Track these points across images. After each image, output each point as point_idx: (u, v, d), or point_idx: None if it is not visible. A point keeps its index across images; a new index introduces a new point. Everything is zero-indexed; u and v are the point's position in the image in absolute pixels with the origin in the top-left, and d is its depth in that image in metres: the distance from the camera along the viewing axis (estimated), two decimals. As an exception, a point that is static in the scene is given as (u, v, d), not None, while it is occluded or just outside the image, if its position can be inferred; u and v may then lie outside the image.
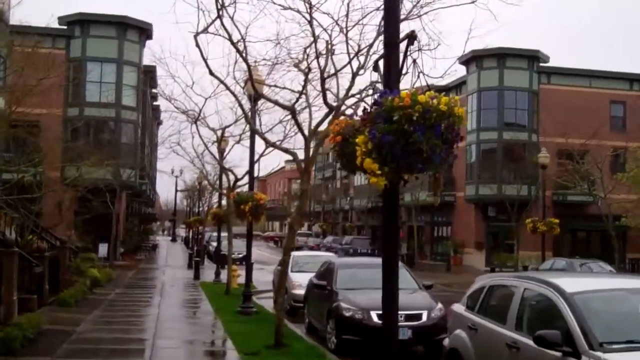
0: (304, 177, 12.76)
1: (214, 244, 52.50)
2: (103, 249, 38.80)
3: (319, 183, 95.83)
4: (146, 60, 44.88)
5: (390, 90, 5.85)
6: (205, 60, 12.62)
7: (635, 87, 51.22)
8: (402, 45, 6.46)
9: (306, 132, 12.84)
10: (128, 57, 43.64)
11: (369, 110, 5.93)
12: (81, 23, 42.88)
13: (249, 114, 16.11)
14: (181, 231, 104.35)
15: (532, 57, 48.69)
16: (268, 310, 19.90)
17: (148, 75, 49.94)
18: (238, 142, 23.32)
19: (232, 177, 24.16)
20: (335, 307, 13.95)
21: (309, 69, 12.42)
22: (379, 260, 18.37)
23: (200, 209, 57.07)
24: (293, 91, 13.61)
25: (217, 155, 24.21)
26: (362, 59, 12.62)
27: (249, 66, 12.15)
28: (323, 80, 12.00)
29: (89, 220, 36.71)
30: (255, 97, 16.75)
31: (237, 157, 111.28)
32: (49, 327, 14.59)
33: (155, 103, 60.54)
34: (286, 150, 13.45)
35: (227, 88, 14.09)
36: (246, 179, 24.24)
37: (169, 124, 66.86)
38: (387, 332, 6.51)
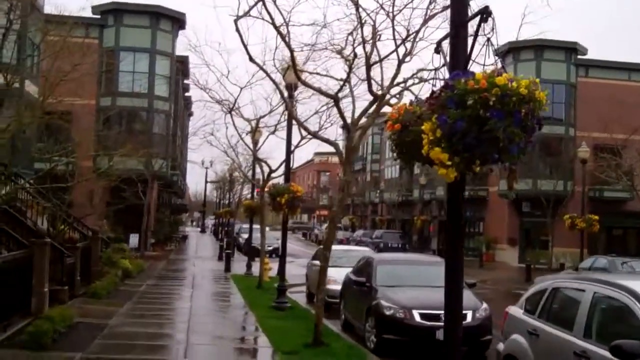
0: (346, 168, 12.21)
1: (244, 235, 52.26)
2: (134, 239, 38.62)
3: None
4: (179, 51, 44.75)
5: (463, 72, 5.27)
6: (245, 45, 12.10)
7: (676, 80, 49.86)
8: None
9: (348, 122, 12.28)
10: (161, 46, 43.40)
11: (436, 94, 5.34)
12: (114, 12, 42.69)
13: (289, 101, 15.60)
14: (209, 222, 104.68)
15: (570, 49, 47.61)
16: (302, 306, 19.45)
17: (180, 66, 49.71)
18: (273, 132, 22.80)
19: (266, 169, 23.68)
20: (375, 305, 13.40)
21: (355, 55, 11.83)
22: (418, 256, 17.75)
23: (231, 200, 56.80)
24: (335, 79, 13.03)
25: (251, 146, 23.73)
26: (408, 45, 12.02)
27: (292, 51, 11.57)
28: (368, 67, 11.42)
29: (121, 211, 36.56)
30: (296, 84, 16.29)
31: (270, 149, 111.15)
32: (80, 320, 14.23)
33: (186, 94, 60.37)
34: (327, 140, 12.90)
35: (267, 75, 13.53)
36: (280, 171, 23.84)
37: (201, 114, 66.70)
38: (450, 336, 5.94)
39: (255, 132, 23.09)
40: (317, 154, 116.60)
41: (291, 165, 23.67)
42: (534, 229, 48.44)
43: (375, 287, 14.04)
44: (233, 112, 22.27)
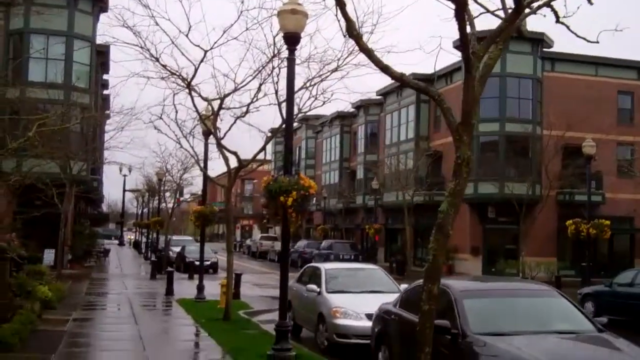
0: (462, 136, 6.95)
1: (175, 249, 46.08)
2: (49, 256, 32.18)
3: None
4: (99, 39, 38.60)
5: None
6: None
7: (645, 76, 46.60)
8: None
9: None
10: (80, 30, 37.11)
11: None
12: (23, -12, 36.12)
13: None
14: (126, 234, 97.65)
15: (537, 41, 43.44)
16: (306, 350, 13.78)
17: (100, 58, 43.41)
18: (244, 115, 17.06)
19: (231, 162, 18.03)
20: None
21: None
22: (514, 283, 12.09)
23: (162, 206, 50.33)
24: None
25: (212, 132, 17.86)
26: None
27: None
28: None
29: (32, 222, 30.19)
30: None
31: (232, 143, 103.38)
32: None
33: (105, 92, 53.52)
34: (424, 90, 7.55)
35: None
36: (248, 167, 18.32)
37: (129, 100, 59.76)
38: None
39: (217, 114, 17.37)
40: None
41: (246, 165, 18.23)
42: (499, 237, 44.12)
43: (471, 336, 8.64)
44: (192, 87, 16.55)
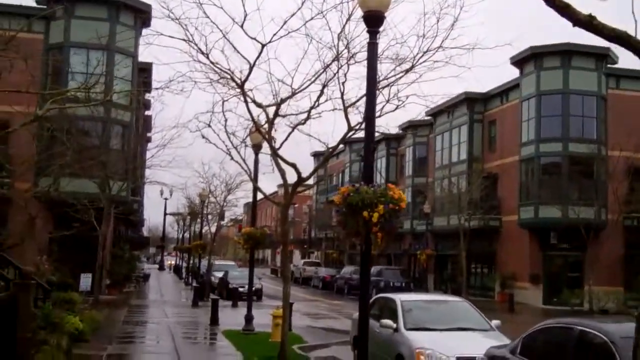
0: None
1: (218, 274, 44.01)
2: (86, 280, 30.19)
3: (321, 207, 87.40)
4: (141, 56, 37.07)
5: None
6: None
7: None
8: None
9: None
10: (121, 44, 35.39)
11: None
12: (64, 1, 34.63)
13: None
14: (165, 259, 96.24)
15: (601, 56, 40.72)
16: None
17: (142, 75, 41.77)
18: (304, 122, 14.78)
19: (289, 177, 15.81)
20: None
21: None
22: None
23: (205, 230, 48.37)
24: None
25: (267, 141, 15.57)
26: None
27: None
28: None
29: (69, 244, 28.46)
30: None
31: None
32: None
33: (147, 112, 51.87)
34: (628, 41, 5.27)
35: None
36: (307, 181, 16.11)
37: (170, 110, 58.09)
38: None
39: (273, 121, 15.16)
40: (279, 186, 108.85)
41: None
42: (561, 264, 41.31)
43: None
44: (244, 90, 14.38)
